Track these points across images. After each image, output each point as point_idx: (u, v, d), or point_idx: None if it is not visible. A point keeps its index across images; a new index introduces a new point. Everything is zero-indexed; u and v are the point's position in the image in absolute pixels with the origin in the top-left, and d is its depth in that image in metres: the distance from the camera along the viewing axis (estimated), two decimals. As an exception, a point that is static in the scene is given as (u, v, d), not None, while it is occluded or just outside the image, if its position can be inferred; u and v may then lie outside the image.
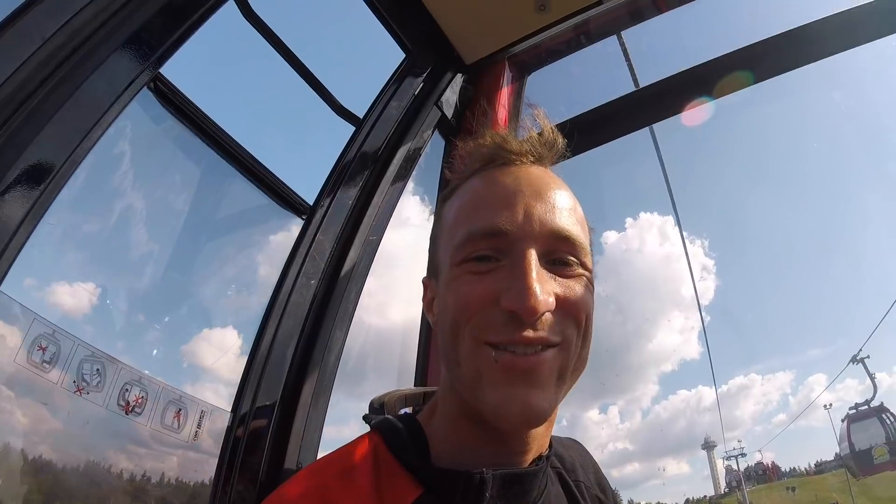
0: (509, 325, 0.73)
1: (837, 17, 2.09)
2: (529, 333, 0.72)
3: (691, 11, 2.43)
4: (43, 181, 1.13)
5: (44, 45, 1.16)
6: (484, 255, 0.77)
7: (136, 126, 1.47)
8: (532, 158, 0.89)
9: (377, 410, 1.05)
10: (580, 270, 0.80)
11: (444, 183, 2.46)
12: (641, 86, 2.62)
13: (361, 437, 0.86)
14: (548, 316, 0.74)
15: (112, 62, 1.28)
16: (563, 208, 0.81)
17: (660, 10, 2.39)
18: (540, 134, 0.92)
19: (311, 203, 1.91)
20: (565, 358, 0.76)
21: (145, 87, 1.39)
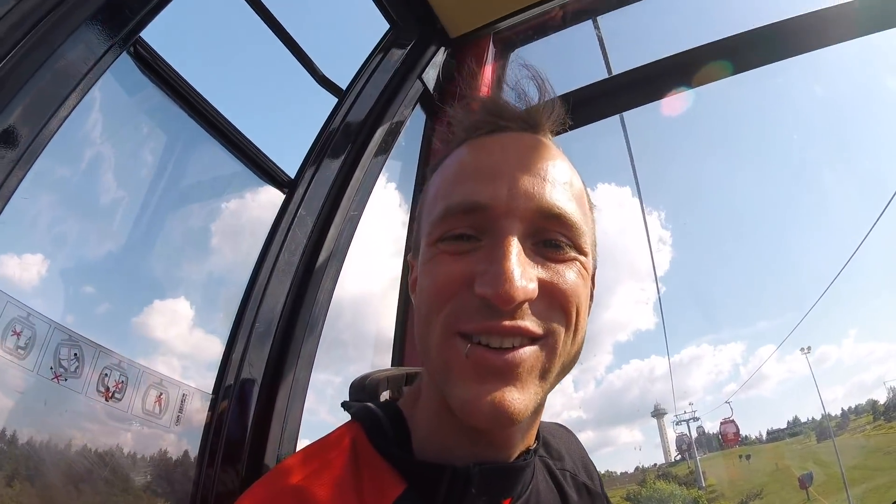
0: (483, 313, 0.64)
1: (813, 14, 2.13)
2: (506, 323, 0.64)
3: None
4: (15, 152, 1.07)
5: (16, 6, 1.09)
6: (462, 234, 0.69)
7: (116, 92, 1.40)
8: (525, 125, 0.79)
9: (357, 394, 1.00)
10: (572, 254, 0.71)
11: (424, 157, 2.46)
12: (615, 73, 2.63)
13: (340, 428, 0.80)
14: (530, 305, 0.66)
15: (90, 25, 1.21)
16: (557, 182, 0.72)
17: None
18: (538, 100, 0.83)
19: (293, 176, 1.86)
20: (549, 355, 0.68)
21: (125, 52, 1.32)
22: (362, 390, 1.01)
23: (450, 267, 0.68)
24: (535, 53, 2.68)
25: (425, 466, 0.72)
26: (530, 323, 0.65)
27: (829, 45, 2.12)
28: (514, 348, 0.65)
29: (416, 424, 0.78)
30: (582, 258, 0.72)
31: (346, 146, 2.01)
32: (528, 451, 0.80)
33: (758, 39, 2.21)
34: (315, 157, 1.92)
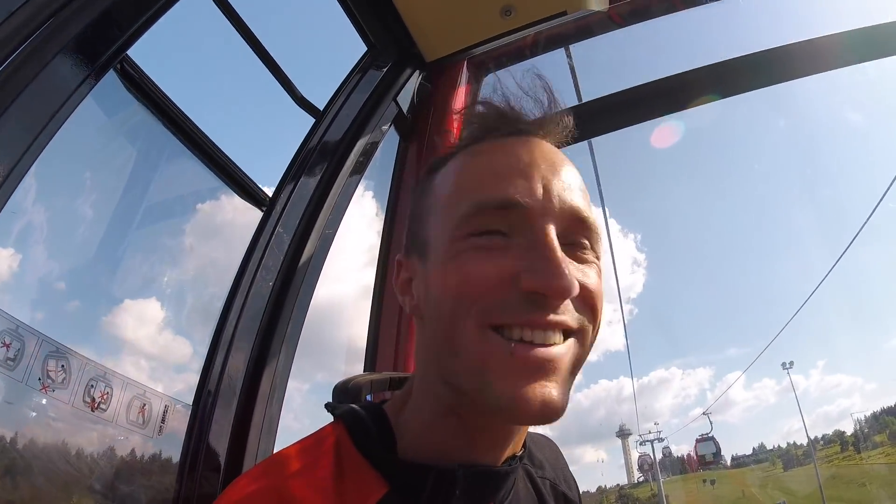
0: (526, 307, 0.66)
1: (781, 49, 2.28)
2: (550, 317, 0.66)
3: (640, 31, 2.57)
4: (5, 167, 1.06)
5: (6, 22, 1.09)
6: (495, 230, 0.70)
7: (102, 108, 1.41)
8: (541, 132, 0.82)
9: (340, 396, 1.01)
10: (593, 257, 0.74)
11: (398, 176, 2.50)
12: (584, 100, 2.73)
13: (324, 429, 0.80)
14: (567, 302, 0.68)
15: (79, 41, 1.21)
16: (578, 188, 0.75)
17: (618, 25, 2.50)
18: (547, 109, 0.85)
19: (271, 194, 1.88)
20: (581, 349, 0.71)
21: (111, 70, 1.32)
22: (345, 393, 1.02)
23: (483, 263, 0.68)
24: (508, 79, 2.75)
25: (409, 467, 0.72)
26: (570, 318, 0.68)
27: (794, 79, 2.28)
28: (554, 344, 0.67)
29: (404, 428, 0.78)
30: (599, 263, 0.75)
31: (322, 165, 2.03)
32: (514, 456, 0.82)
33: (723, 72, 2.34)
34: (293, 175, 1.94)
